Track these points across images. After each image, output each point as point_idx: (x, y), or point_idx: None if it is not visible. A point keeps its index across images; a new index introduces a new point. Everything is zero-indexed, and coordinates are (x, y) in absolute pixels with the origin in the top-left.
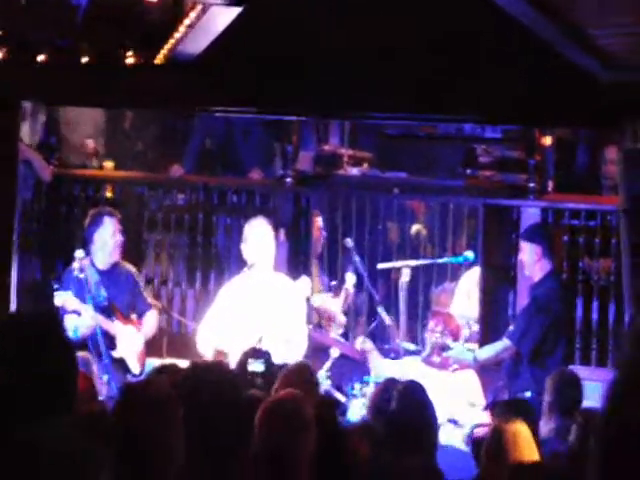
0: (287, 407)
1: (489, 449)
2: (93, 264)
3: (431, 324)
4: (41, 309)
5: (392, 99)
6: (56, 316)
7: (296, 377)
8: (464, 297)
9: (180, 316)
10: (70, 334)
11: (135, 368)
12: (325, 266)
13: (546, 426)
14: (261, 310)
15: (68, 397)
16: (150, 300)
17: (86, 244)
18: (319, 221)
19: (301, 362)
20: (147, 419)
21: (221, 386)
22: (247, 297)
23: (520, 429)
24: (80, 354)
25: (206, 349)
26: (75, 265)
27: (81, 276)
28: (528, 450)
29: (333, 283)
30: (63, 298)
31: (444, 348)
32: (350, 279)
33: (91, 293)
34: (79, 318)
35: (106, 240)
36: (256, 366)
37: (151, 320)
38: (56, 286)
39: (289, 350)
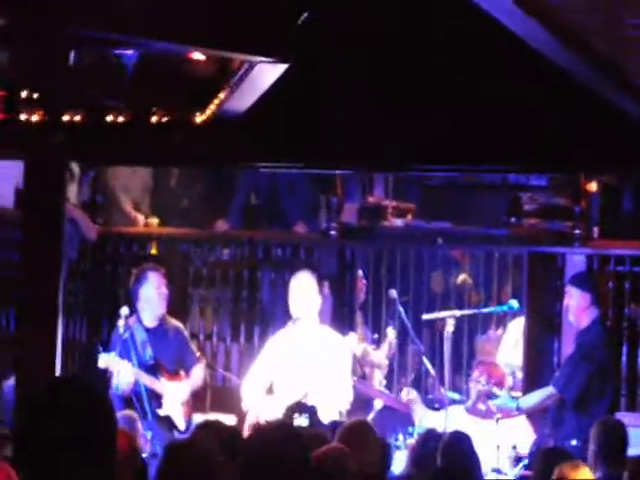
0: (330, 462)
1: None
2: (140, 322)
3: (475, 374)
4: (87, 371)
5: (436, 150)
6: (101, 379)
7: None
8: (511, 346)
9: (224, 371)
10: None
11: (181, 424)
12: (369, 317)
13: (594, 474)
14: (307, 364)
15: (107, 459)
16: (197, 353)
17: (132, 302)
18: (359, 271)
19: (360, 419)
20: (191, 476)
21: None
22: (293, 351)
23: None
24: (125, 412)
25: (251, 404)
26: (120, 323)
27: (126, 335)
28: None
29: (375, 336)
30: (106, 359)
31: (490, 396)
32: (391, 332)
33: (137, 352)
34: (119, 375)
35: (151, 294)
36: (301, 421)
37: (198, 373)
38: (100, 348)
39: (334, 404)
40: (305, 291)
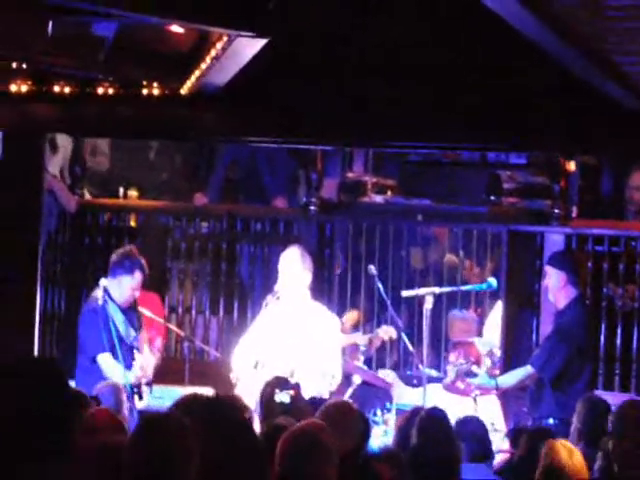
0: (307, 437)
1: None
2: (112, 298)
3: (452, 357)
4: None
5: (416, 127)
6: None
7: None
8: (497, 324)
9: (203, 344)
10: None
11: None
12: (348, 293)
13: None
14: (296, 339)
15: (65, 438)
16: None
17: (108, 276)
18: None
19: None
20: (163, 452)
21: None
22: (283, 325)
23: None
24: (109, 382)
25: (240, 376)
26: (99, 294)
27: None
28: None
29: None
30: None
31: (468, 374)
32: (384, 332)
33: (119, 334)
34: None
35: (125, 286)
36: (282, 397)
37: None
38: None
39: (324, 383)
40: (294, 266)
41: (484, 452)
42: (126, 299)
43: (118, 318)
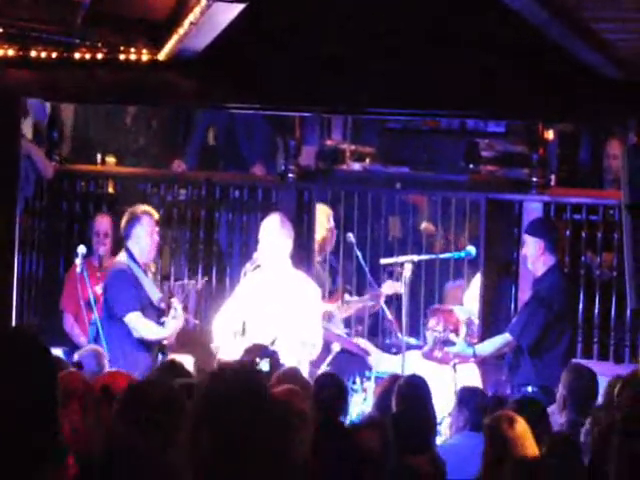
0: (281, 401)
1: (489, 450)
2: (135, 260)
3: (432, 322)
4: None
5: (394, 94)
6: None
7: (290, 380)
8: (475, 294)
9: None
10: None
11: None
12: (327, 261)
13: (558, 419)
14: (278, 307)
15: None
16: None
17: (124, 242)
18: (330, 220)
19: (292, 367)
20: (155, 414)
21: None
22: (264, 293)
23: (524, 431)
24: (90, 347)
25: (221, 344)
26: (77, 261)
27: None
28: (532, 449)
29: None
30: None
31: (446, 343)
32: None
33: (147, 294)
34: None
35: (143, 237)
36: (263, 365)
37: None
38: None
39: (304, 352)
40: (275, 234)
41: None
42: (148, 250)
43: (144, 279)
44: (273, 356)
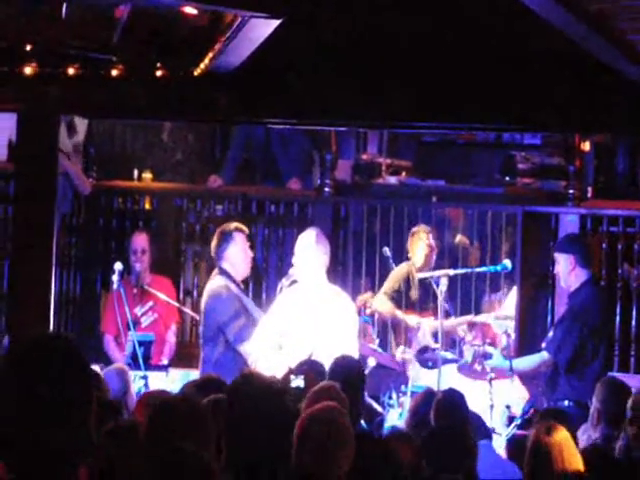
0: (326, 418)
1: (531, 461)
2: (233, 280)
3: (469, 336)
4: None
5: (430, 107)
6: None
7: (327, 395)
8: (512, 306)
9: None
10: None
11: None
12: (362, 274)
13: (592, 434)
14: (315, 322)
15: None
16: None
17: (217, 262)
18: (430, 238)
19: (328, 382)
20: (180, 434)
21: (258, 399)
22: (301, 308)
23: (564, 439)
24: (116, 365)
25: (258, 360)
26: (114, 278)
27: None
28: (573, 459)
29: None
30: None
31: (485, 356)
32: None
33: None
34: None
35: (237, 255)
36: (297, 382)
37: None
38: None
39: None
40: (311, 249)
41: (485, 431)
42: (244, 267)
43: (244, 298)
44: (307, 372)
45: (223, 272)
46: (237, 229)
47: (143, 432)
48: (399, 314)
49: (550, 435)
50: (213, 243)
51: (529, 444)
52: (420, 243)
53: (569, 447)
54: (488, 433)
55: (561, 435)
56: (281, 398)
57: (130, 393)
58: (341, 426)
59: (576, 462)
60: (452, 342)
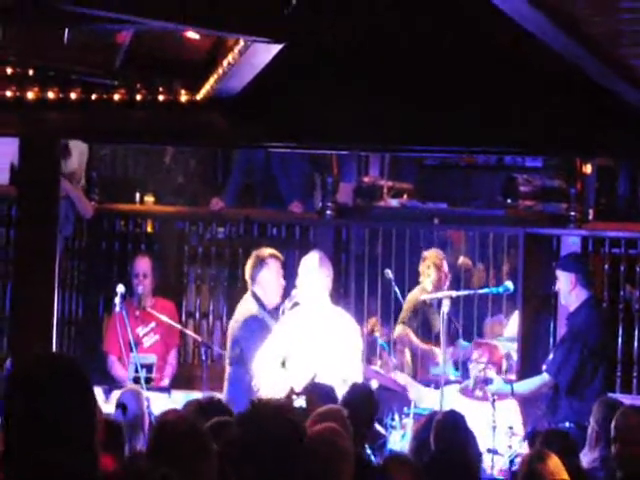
0: (324, 440)
1: None
2: (262, 305)
3: (475, 355)
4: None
5: (433, 131)
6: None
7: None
8: (515, 328)
9: (221, 349)
10: None
11: None
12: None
13: (591, 455)
14: (318, 344)
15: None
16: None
17: (251, 285)
18: (444, 263)
19: (334, 406)
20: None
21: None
22: (305, 330)
23: (555, 465)
24: (130, 386)
25: (262, 382)
26: (117, 300)
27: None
28: None
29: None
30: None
31: (487, 382)
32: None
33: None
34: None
35: (269, 280)
36: (299, 402)
37: None
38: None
39: (345, 388)
40: (315, 271)
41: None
42: (276, 294)
43: (273, 324)
44: (308, 393)
45: (254, 295)
46: (272, 255)
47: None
48: (421, 344)
49: (542, 462)
50: (248, 266)
51: (521, 471)
52: (432, 268)
53: (560, 473)
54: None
55: (553, 462)
56: (292, 424)
57: (145, 414)
58: (340, 448)
59: None
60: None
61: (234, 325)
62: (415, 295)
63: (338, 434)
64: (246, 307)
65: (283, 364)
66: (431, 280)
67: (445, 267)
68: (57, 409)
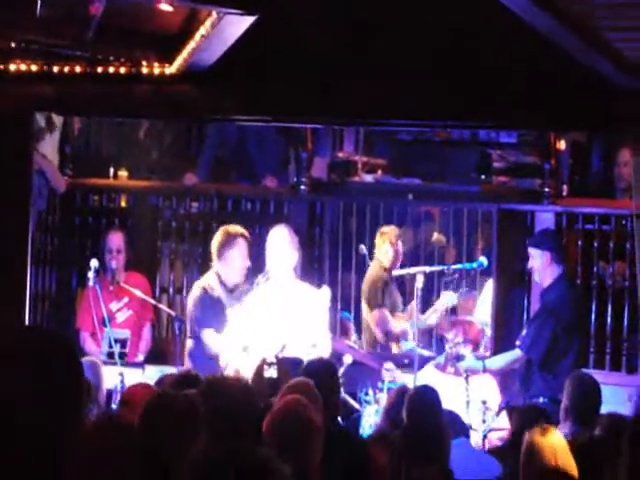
0: (291, 413)
1: (526, 462)
2: (222, 282)
3: (450, 335)
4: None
5: (407, 106)
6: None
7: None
8: (487, 304)
9: None
10: None
11: None
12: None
13: (562, 430)
14: (284, 319)
15: (75, 411)
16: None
17: (217, 261)
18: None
19: (304, 379)
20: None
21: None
22: (270, 305)
23: (558, 440)
24: (87, 358)
25: (228, 359)
26: (90, 275)
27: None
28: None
29: None
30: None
31: (458, 358)
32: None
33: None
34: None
35: (236, 260)
36: (271, 372)
37: None
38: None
39: (315, 355)
40: (282, 245)
41: (462, 428)
42: (240, 273)
43: (227, 302)
44: (279, 362)
45: (216, 273)
46: (242, 235)
47: (137, 427)
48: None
49: (544, 436)
50: (215, 240)
51: (523, 446)
52: (386, 245)
53: (563, 448)
54: (465, 430)
55: (555, 437)
56: (252, 396)
57: (101, 388)
58: (307, 420)
59: (570, 463)
60: (429, 337)
61: (190, 301)
62: (376, 271)
63: (305, 406)
64: (206, 283)
65: (245, 349)
66: (388, 257)
67: (400, 246)
68: (42, 377)
